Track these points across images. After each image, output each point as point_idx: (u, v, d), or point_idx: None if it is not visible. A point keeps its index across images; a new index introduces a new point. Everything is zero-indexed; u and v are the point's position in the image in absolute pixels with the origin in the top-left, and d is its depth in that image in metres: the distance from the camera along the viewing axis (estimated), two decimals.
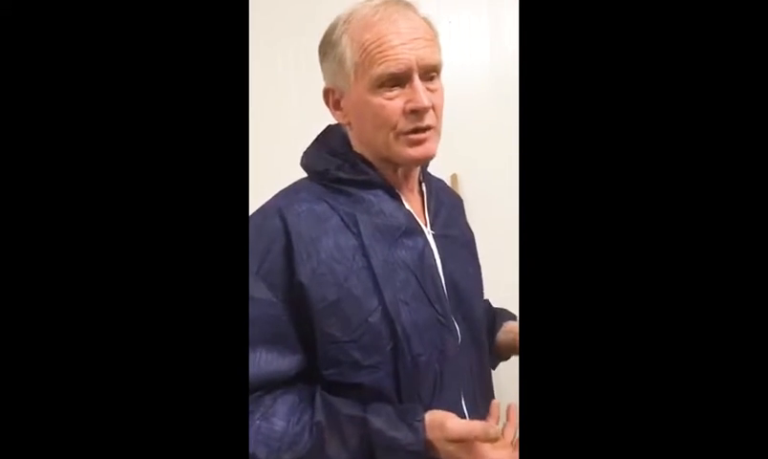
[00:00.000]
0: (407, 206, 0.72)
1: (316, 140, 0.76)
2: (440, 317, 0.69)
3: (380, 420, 0.62)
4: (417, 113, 0.65)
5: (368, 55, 0.64)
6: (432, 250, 0.71)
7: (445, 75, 0.72)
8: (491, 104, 1.44)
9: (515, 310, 0.89)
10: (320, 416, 0.61)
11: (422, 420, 0.62)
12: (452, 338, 0.70)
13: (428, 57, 0.65)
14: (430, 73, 0.66)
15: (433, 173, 0.84)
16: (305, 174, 0.74)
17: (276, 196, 0.71)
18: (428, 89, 0.66)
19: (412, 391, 0.66)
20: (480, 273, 0.84)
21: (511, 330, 0.85)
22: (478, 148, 1.37)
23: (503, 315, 0.91)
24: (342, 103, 0.70)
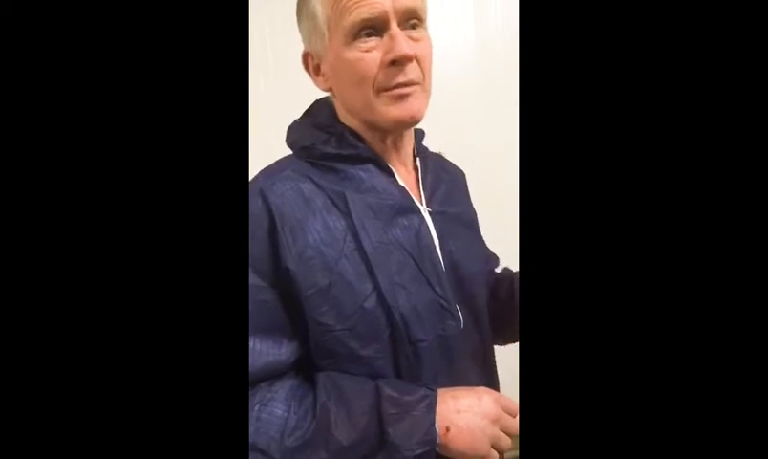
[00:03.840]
0: (400, 181, 0.66)
1: (303, 114, 0.71)
2: (442, 300, 0.64)
3: (391, 387, 0.58)
4: (398, 64, 0.59)
5: (339, 6, 0.59)
6: (429, 228, 0.66)
7: None
8: (476, 79, 1.44)
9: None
10: (324, 396, 0.57)
11: (435, 390, 0.59)
12: (454, 322, 0.65)
13: (406, 1, 0.59)
14: (411, 19, 0.60)
15: None
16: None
17: (259, 175, 0.65)
18: (410, 38, 0.60)
19: (413, 378, 0.62)
20: (483, 253, 0.78)
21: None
22: (463, 125, 1.35)
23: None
24: (322, 67, 0.65)
